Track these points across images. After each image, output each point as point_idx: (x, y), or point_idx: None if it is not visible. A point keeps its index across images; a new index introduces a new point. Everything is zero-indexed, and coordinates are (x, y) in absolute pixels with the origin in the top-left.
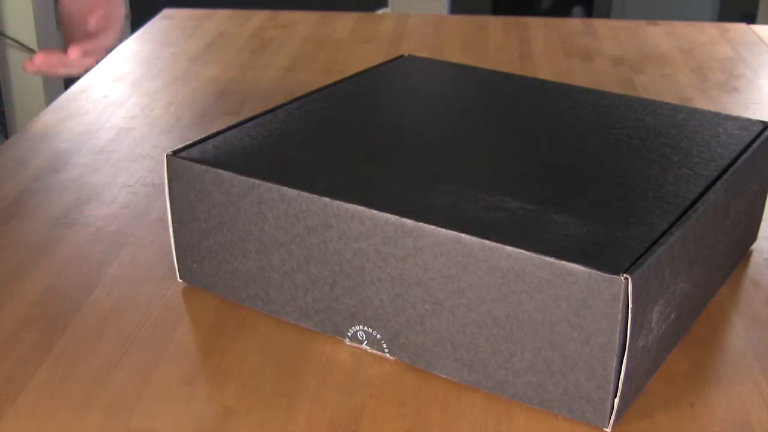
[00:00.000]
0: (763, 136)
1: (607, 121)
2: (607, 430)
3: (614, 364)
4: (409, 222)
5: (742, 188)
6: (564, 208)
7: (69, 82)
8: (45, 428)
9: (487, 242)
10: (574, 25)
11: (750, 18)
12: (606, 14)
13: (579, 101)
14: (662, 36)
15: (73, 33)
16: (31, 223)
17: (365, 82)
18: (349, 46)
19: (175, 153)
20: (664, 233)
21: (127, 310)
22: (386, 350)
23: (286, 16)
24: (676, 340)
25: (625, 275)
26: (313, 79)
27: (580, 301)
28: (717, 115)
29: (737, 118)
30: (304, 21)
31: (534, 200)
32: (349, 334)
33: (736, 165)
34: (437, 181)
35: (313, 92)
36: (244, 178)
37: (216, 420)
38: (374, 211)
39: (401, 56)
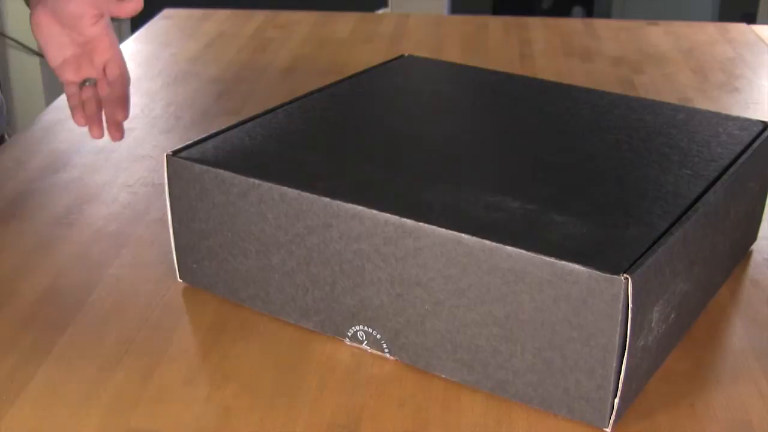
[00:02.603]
0: (763, 136)
1: (607, 121)
2: (607, 430)
3: (614, 364)
4: (409, 222)
5: (742, 188)
6: (564, 208)
7: None
8: (45, 428)
9: (487, 242)
10: (574, 25)
11: (750, 18)
12: (606, 14)
13: (579, 101)
14: (662, 36)
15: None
16: (31, 223)
17: (365, 82)
18: (349, 46)
19: (175, 153)
20: (664, 233)
21: (127, 310)
22: (386, 350)
23: (286, 16)
24: (676, 340)
25: (625, 275)
26: (313, 79)
27: (580, 301)
28: (717, 115)
29: (737, 118)
30: (304, 21)
31: (534, 200)
32: (349, 334)
33: (736, 165)
34: (437, 181)
35: (313, 92)
36: (244, 178)
37: (216, 420)
38: (374, 211)
39: (401, 56)
